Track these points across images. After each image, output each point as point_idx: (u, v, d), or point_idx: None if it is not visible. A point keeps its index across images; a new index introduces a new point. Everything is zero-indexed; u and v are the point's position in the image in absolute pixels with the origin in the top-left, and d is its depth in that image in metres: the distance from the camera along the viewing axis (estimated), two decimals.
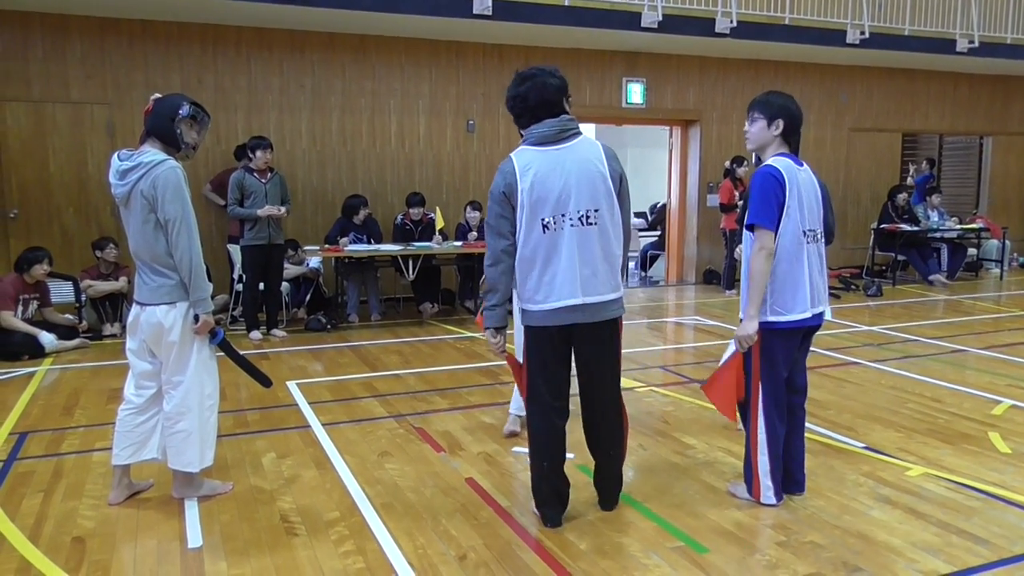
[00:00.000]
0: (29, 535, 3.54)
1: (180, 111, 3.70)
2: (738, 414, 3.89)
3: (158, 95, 3.80)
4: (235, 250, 8.16)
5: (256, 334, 7.74)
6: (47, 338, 6.96)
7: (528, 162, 3.33)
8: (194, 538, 3.51)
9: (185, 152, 3.78)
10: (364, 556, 3.34)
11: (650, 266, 12.38)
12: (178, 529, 3.60)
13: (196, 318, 3.73)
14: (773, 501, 3.81)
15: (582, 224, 3.33)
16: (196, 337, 3.75)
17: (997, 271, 12.56)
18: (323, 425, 5.08)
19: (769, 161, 3.66)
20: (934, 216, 11.64)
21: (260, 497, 3.96)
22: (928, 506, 3.82)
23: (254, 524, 3.66)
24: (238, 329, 8.05)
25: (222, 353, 3.91)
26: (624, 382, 6.07)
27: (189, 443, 3.79)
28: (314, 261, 8.77)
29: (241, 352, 4.07)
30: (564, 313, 3.36)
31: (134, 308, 3.79)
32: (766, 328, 3.62)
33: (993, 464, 4.38)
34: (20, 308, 7.02)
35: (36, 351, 6.92)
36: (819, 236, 3.71)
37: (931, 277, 11.31)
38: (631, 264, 12.62)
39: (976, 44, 11.26)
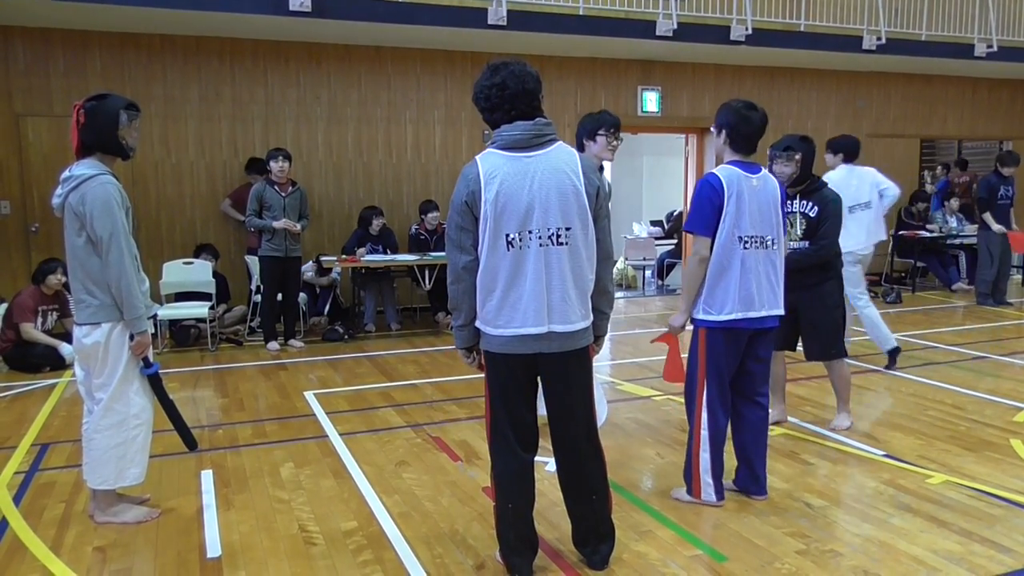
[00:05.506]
0: (51, 545, 3.57)
1: (121, 121, 3.59)
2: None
3: (80, 103, 3.62)
4: (253, 261, 8.22)
5: (274, 345, 7.79)
6: (67, 349, 7.02)
7: (493, 168, 2.96)
8: (213, 548, 3.53)
9: (129, 155, 3.70)
10: (382, 565, 3.35)
11: (667, 274, 12.36)
12: (197, 539, 3.62)
13: (132, 337, 3.64)
14: (714, 499, 3.82)
15: (551, 243, 2.95)
16: (124, 357, 3.64)
17: (1019, 277, 12.40)
18: (341, 435, 5.09)
19: (714, 169, 3.73)
20: (952, 221, 11.53)
21: (278, 507, 3.98)
22: (950, 514, 3.78)
23: (272, 534, 3.67)
24: (256, 341, 8.10)
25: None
26: (641, 390, 6.11)
27: (105, 460, 3.70)
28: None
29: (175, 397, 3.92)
30: (527, 341, 2.99)
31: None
32: (704, 326, 3.73)
33: (1015, 471, 4.33)
34: (40, 319, 7.09)
35: (57, 363, 6.99)
36: (770, 243, 3.71)
37: (954, 286, 11.21)
38: (647, 272, 12.60)
39: (995, 48, 11.17)
